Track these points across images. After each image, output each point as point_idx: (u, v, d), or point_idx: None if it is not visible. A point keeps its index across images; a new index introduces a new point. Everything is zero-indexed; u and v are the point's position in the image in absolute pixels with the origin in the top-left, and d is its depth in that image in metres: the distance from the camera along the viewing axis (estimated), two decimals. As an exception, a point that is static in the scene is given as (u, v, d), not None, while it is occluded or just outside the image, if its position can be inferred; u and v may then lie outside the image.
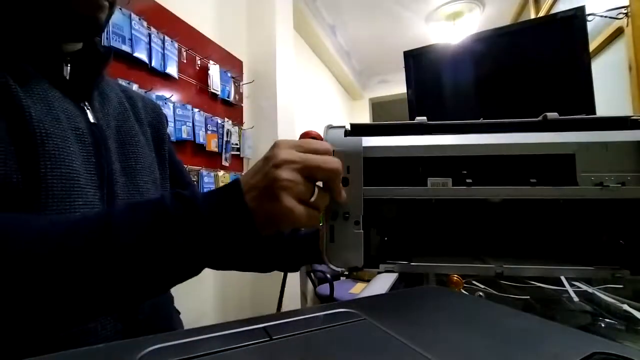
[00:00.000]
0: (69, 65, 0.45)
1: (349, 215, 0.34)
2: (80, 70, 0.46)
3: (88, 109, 0.46)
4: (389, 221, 0.37)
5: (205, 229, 0.29)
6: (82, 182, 0.40)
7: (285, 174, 0.30)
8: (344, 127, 0.36)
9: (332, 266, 0.34)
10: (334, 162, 0.32)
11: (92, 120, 0.46)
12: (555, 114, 0.35)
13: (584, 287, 0.37)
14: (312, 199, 0.32)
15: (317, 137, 0.48)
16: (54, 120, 0.39)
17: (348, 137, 0.35)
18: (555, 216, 0.36)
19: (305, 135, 0.49)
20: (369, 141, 0.34)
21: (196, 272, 0.31)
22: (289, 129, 2.10)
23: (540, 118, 0.35)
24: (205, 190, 1.74)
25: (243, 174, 0.33)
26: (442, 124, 0.37)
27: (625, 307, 0.33)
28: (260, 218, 0.30)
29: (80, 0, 0.41)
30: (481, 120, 0.37)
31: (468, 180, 0.34)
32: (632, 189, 0.32)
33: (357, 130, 0.36)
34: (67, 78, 0.45)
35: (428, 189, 0.34)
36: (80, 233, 0.27)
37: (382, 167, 0.35)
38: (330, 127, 0.36)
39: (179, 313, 0.56)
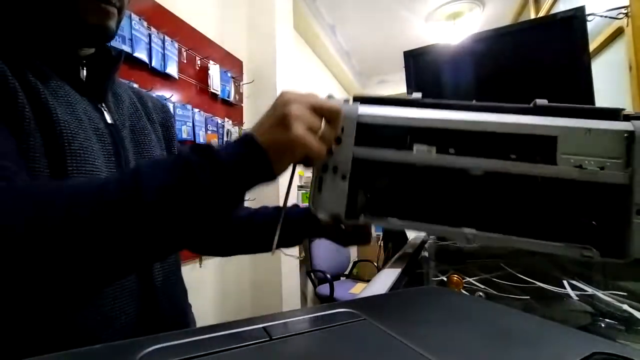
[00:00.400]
0: (84, 68, 0.47)
1: (337, 169, 0.37)
2: (94, 72, 0.47)
3: (105, 110, 0.48)
4: (374, 181, 0.40)
5: (224, 169, 0.30)
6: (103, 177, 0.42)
7: (294, 107, 0.32)
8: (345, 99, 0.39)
9: (318, 215, 0.38)
10: (335, 103, 0.35)
11: (109, 120, 0.47)
12: (545, 100, 0.36)
13: (584, 288, 0.37)
14: (320, 132, 0.34)
15: None
16: (77, 120, 0.41)
17: (346, 104, 0.37)
18: (534, 194, 0.36)
19: None
20: (365, 110, 0.37)
21: (224, 212, 0.32)
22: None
23: (531, 105, 0.36)
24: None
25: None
26: (436, 101, 0.38)
27: (625, 307, 0.33)
28: (273, 152, 0.31)
29: (88, 10, 0.42)
30: (474, 102, 0.38)
31: (451, 150, 0.36)
32: (610, 174, 0.32)
33: (357, 99, 0.39)
34: (84, 80, 0.46)
35: (413, 154, 0.36)
36: (112, 190, 0.28)
37: (373, 133, 0.37)
38: (330, 96, 0.39)
39: (191, 306, 0.57)
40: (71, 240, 0.26)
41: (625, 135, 0.32)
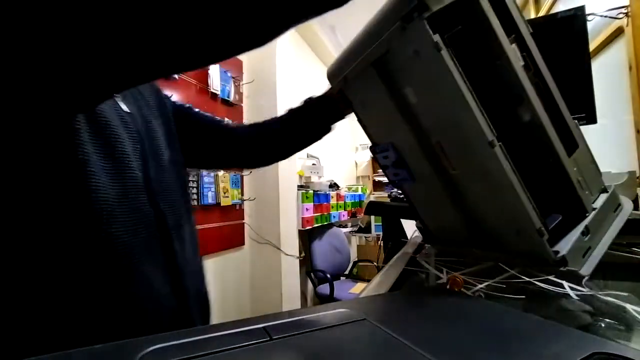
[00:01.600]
0: None
1: None
2: None
3: (118, 97, 0.47)
4: None
5: None
6: (133, 165, 0.42)
7: None
8: None
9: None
10: None
11: (126, 109, 0.46)
12: None
13: (584, 288, 0.37)
14: None
15: None
16: (104, 108, 0.40)
17: None
18: None
19: None
20: None
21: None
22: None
23: None
24: (204, 189, 1.72)
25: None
26: None
27: (625, 307, 0.33)
28: None
29: None
30: None
31: None
32: None
33: None
34: None
35: None
36: None
37: None
38: None
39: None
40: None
41: None
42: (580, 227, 0.41)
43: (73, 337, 0.32)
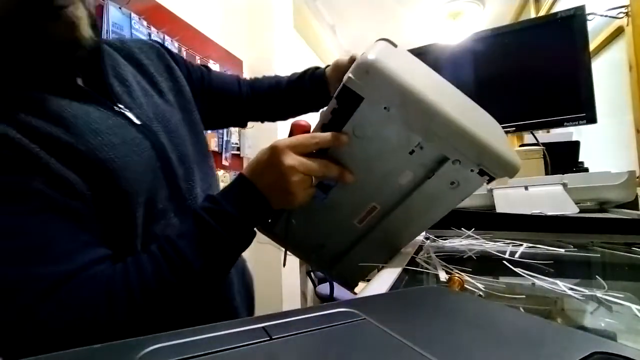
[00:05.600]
0: (79, 76, 0.46)
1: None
2: (88, 72, 0.47)
3: (125, 110, 0.47)
4: None
5: (242, 225, 0.42)
6: (157, 193, 0.46)
7: (295, 178, 0.41)
8: None
9: None
10: (332, 168, 0.45)
11: (136, 121, 0.47)
12: None
13: (584, 288, 0.37)
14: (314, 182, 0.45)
15: (307, 127, 0.47)
16: (111, 147, 0.42)
17: None
18: None
19: (296, 127, 0.48)
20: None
21: (247, 244, 0.44)
22: (289, 129, 2.10)
23: None
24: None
25: (247, 169, 0.45)
26: None
27: (626, 307, 0.33)
28: (275, 203, 0.43)
29: (54, 27, 0.40)
30: None
31: None
32: None
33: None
34: (84, 86, 0.46)
35: None
36: (168, 274, 0.38)
37: None
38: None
39: None
40: (162, 306, 0.38)
41: None
42: None
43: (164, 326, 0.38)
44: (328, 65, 0.69)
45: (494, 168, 0.43)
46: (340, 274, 0.59)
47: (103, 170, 0.40)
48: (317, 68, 0.71)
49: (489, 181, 0.45)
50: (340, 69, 0.63)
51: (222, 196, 0.42)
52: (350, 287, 0.62)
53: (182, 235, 0.40)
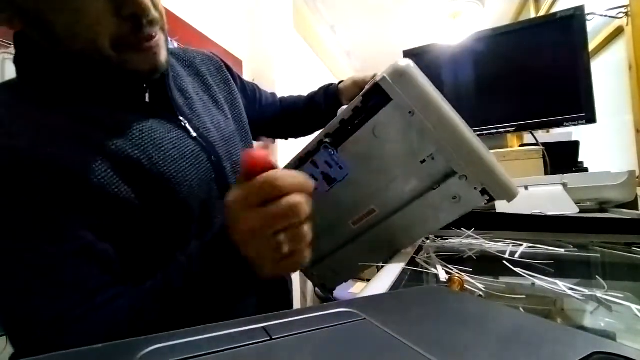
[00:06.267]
0: (147, 92, 0.46)
1: None
2: (154, 88, 0.47)
3: (185, 122, 0.47)
4: None
5: (224, 283, 0.35)
6: (213, 207, 0.46)
7: (257, 244, 0.32)
8: None
9: None
10: (297, 208, 0.31)
11: (193, 134, 0.47)
12: None
13: (584, 288, 0.38)
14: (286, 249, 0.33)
15: (265, 164, 0.32)
16: (172, 161, 0.43)
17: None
18: None
19: (252, 165, 0.32)
20: None
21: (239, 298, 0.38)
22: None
23: None
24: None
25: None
26: None
27: (626, 307, 0.33)
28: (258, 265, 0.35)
29: (138, 62, 0.40)
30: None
31: None
32: None
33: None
34: (149, 102, 0.46)
35: None
36: (150, 316, 0.35)
37: None
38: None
39: None
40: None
41: None
42: None
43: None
44: (341, 81, 0.76)
45: (497, 190, 0.46)
46: (320, 276, 0.59)
47: (162, 184, 0.41)
48: (330, 85, 0.77)
49: (488, 201, 0.47)
50: (359, 84, 0.69)
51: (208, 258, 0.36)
52: (329, 290, 0.61)
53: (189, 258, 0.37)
